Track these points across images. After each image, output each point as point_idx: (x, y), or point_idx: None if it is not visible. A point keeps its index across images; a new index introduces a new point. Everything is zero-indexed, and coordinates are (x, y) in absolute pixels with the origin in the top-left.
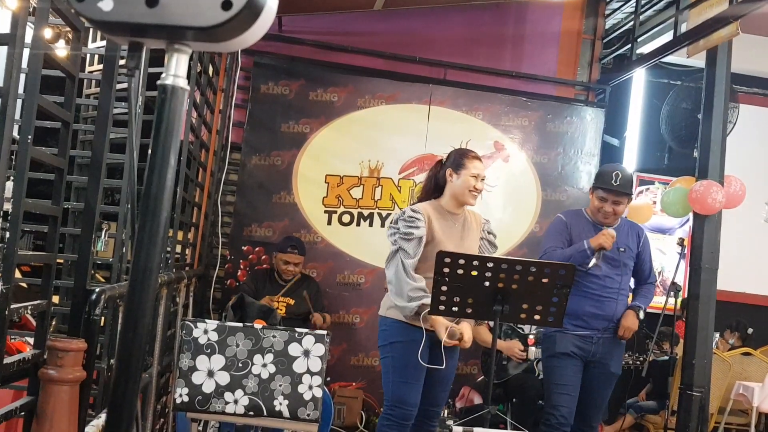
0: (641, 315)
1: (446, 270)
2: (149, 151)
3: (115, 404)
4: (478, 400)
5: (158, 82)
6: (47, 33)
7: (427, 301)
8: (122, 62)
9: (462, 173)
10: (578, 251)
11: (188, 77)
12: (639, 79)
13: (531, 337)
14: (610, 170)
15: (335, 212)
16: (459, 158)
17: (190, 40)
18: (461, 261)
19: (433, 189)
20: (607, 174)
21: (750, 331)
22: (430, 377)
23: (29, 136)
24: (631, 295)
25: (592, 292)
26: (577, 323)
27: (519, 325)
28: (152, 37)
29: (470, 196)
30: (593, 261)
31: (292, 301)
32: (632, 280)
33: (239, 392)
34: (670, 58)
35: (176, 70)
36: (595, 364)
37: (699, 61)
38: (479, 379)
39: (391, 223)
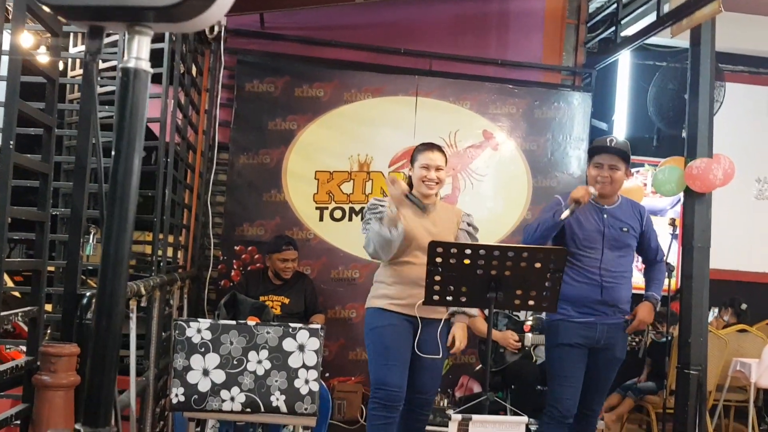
0: (658, 307)
1: (439, 260)
2: (114, 137)
3: (91, 397)
4: (477, 388)
5: (120, 65)
6: (28, 40)
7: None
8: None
9: (415, 166)
10: (553, 207)
11: (171, 78)
12: (625, 61)
13: (527, 323)
14: (604, 137)
15: (326, 208)
16: (414, 153)
17: (150, 21)
18: (453, 250)
19: (409, 184)
20: (602, 140)
21: (744, 306)
22: (414, 365)
23: (11, 142)
24: (643, 278)
25: (595, 276)
26: (582, 311)
27: (515, 313)
28: (112, 20)
29: (424, 187)
30: (566, 213)
31: (287, 300)
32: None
33: (235, 389)
34: (654, 40)
35: (138, 52)
36: (600, 350)
37: (683, 41)
38: (477, 368)
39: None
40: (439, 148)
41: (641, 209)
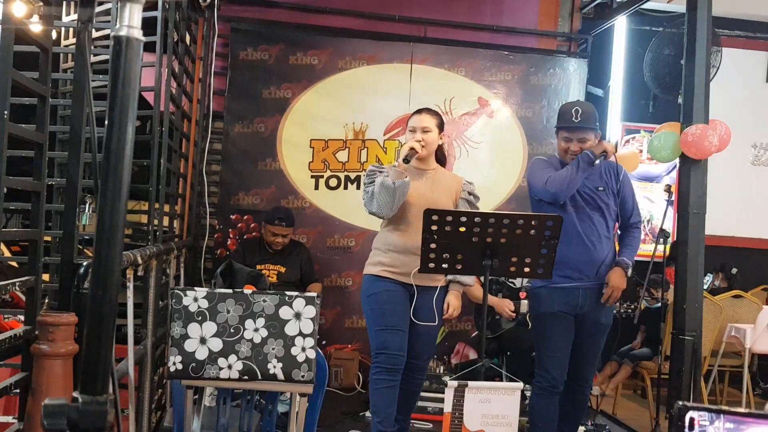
0: (629, 272)
1: (434, 228)
2: (107, 106)
3: (89, 365)
4: (473, 355)
5: (112, 33)
6: (21, 9)
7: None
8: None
9: (407, 131)
10: (583, 159)
11: (164, 47)
12: (621, 27)
13: (523, 290)
14: (569, 107)
15: (322, 176)
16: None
17: None
18: (449, 218)
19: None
20: (567, 112)
21: (734, 271)
22: (410, 331)
23: (5, 112)
24: (617, 242)
25: (575, 237)
26: (563, 273)
27: (510, 280)
28: None
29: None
30: (597, 161)
31: (283, 269)
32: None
33: (233, 357)
34: (651, 5)
35: (130, 20)
36: (584, 316)
37: (680, 6)
38: (473, 335)
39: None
40: (428, 111)
41: (618, 167)
